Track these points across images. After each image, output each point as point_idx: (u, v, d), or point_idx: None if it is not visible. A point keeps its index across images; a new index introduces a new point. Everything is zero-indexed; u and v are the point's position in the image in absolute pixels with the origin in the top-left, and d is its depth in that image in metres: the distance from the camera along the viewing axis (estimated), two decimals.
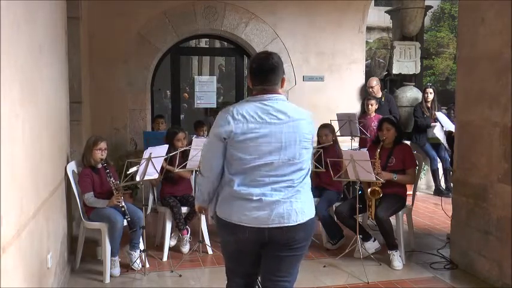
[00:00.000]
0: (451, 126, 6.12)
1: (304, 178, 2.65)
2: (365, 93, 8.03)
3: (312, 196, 2.71)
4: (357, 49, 8.09)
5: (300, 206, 2.58)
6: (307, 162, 2.66)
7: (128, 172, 4.24)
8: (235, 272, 2.80)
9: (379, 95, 7.75)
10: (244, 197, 2.54)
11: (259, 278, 2.84)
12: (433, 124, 7.31)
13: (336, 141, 5.43)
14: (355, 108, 7.87)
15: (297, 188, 2.60)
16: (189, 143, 4.95)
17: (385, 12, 11.37)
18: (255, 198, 2.53)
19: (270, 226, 2.54)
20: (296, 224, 2.57)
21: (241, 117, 2.53)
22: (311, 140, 2.68)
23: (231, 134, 2.53)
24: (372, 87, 7.72)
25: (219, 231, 2.76)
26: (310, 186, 2.72)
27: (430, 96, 7.54)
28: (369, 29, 12.51)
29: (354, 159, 4.38)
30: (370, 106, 7.20)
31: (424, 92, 7.72)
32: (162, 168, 4.64)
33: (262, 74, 2.62)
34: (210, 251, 4.90)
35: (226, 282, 2.87)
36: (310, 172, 2.72)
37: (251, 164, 2.54)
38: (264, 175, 2.54)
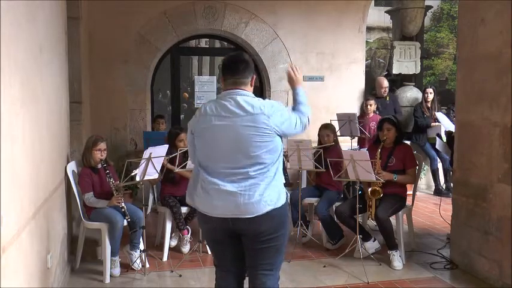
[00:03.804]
0: (451, 126, 6.12)
1: (265, 171, 2.67)
2: (369, 94, 8.02)
3: (279, 187, 2.73)
4: (357, 49, 8.09)
5: (258, 199, 2.63)
6: (268, 156, 2.66)
7: (131, 174, 4.25)
8: (220, 266, 2.92)
9: (385, 94, 7.74)
10: (207, 187, 2.69)
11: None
12: (433, 124, 7.32)
13: (337, 142, 5.43)
14: (355, 108, 7.87)
15: (255, 181, 2.64)
16: None
17: (385, 12, 11.37)
18: (215, 187, 2.66)
19: (229, 216, 2.67)
20: (254, 216, 2.63)
21: (203, 111, 2.76)
22: (272, 133, 2.67)
23: (194, 127, 2.78)
24: (385, 87, 7.67)
25: (198, 220, 2.97)
26: (279, 176, 2.74)
27: (430, 96, 7.54)
28: (369, 29, 12.52)
29: (354, 159, 4.38)
30: (369, 106, 7.20)
31: (424, 92, 7.73)
32: (163, 166, 4.64)
33: (233, 64, 2.77)
34: (210, 251, 4.89)
35: (215, 281, 2.96)
36: (277, 165, 2.73)
37: (209, 154, 2.71)
38: (222, 167, 2.67)
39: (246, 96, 2.72)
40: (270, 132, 2.66)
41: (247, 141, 2.63)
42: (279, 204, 2.69)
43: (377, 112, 7.29)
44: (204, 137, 2.73)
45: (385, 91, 7.69)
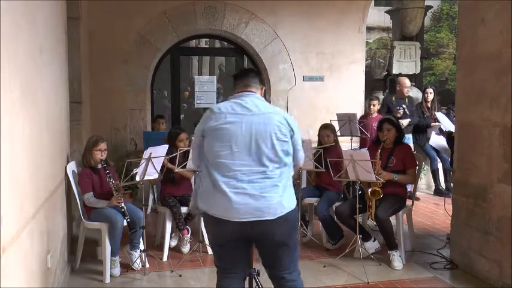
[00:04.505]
0: (451, 126, 6.12)
1: (282, 171, 2.70)
2: (369, 94, 7.96)
3: (292, 190, 2.78)
4: (357, 49, 8.09)
5: (279, 200, 2.65)
6: (285, 156, 2.72)
7: (131, 174, 4.25)
8: (224, 269, 2.86)
9: (407, 94, 7.53)
10: (223, 190, 2.62)
11: (255, 276, 2.89)
12: (433, 124, 7.31)
13: (337, 142, 5.43)
14: (355, 108, 7.86)
15: (273, 181, 2.66)
16: (190, 143, 4.95)
17: (385, 12, 11.39)
18: (233, 191, 2.61)
19: (251, 220, 2.61)
20: (275, 217, 2.64)
21: (217, 110, 2.76)
22: (288, 135, 2.74)
23: (207, 125, 2.75)
24: (408, 87, 7.49)
25: (205, 224, 2.89)
26: (292, 180, 2.79)
27: (430, 96, 7.53)
28: (369, 29, 12.51)
29: (354, 159, 4.38)
30: (372, 106, 7.19)
31: (424, 92, 7.71)
32: (163, 166, 4.64)
33: (244, 72, 2.96)
34: (210, 251, 4.89)
35: (216, 281, 2.91)
36: (290, 168, 2.77)
37: (224, 152, 2.65)
38: (238, 164, 2.64)
39: (258, 98, 2.82)
40: (285, 133, 2.73)
41: (265, 138, 2.67)
42: (293, 206, 2.75)
43: (406, 111, 7.11)
44: (218, 135, 2.69)
45: (408, 91, 7.50)
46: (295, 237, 2.84)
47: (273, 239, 2.71)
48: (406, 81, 7.56)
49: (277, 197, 2.65)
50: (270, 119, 2.71)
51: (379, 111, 7.22)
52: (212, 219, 2.71)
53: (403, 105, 7.18)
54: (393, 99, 7.37)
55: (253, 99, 2.78)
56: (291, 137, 2.76)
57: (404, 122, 7.04)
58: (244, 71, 2.99)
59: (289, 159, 2.76)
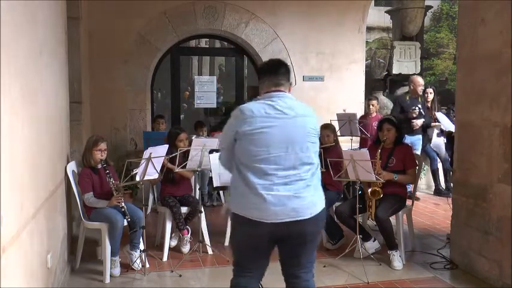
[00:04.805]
0: (451, 127, 6.12)
1: (313, 172, 2.74)
2: (369, 94, 7.94)
3: (322, 190, 2.82)
4: (357, 49, 8.09)
5: (311, 200, 2.69)
6: (315, 157, 2.77)
7: (131, 174, 4.25)
8: (244, 268, 2.86)
9: (421, 93, 7.39)
10: (258, 192, 2.63)
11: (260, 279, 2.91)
12: (433, 124, 7.31)
13: (337, 142, 5.43)
14: (355, 108, 7.86)
15: (306, 183, 2.69)
16: (190, 144, 4.94)
17: (385, 12, 11.39)
18: (269, 193, 2.62)
19: (286, 220, 2.64)
20: (310, 217, 2.68)
21: (249, 112, 2.67)
22: (317, 136, 2.82)
23: (240, 129, 2.67)
24: (422, 85, 7.34)
25: (234, 226, 2.85)
26: (320, 180, 2.82)
27: (430, 96, 7.53)
28: (369, 29, 12.51)
29: (354, 159, 4.38)
30: (371, 106, 7.19)
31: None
32: (163, 166, 4.64)
33: (274, 66, 2.83)
34: (210, 251, 4.90)
35: (232, 278, 2.90)
36: (319, 168, 2.81)
37: (260, 156, 2.64)
38: (274, 169, 2.64)
39: (290, 98, 2.78)
40: (316, 134, 2.78)
41: (300, 142, 2.68)
42: (323, 206, 2.80)
43: (421, 111, 7.01)
44: (253, 140, 2.65)
45: (422, 90, 7.35)
46: (319, 234, 2.90)
47: (304, 238, 2.75)
48: (420, 80, 7.44)
49: (310, 197, 2.69)
50: (304, 122, 2.72)
51: (392, 111, 7.15)
52: (246, 221, 2.69)
53: (418, 105, 7.08)
54: (407, 98, 7.26)
55: (286, 100, 2.74)
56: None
57: (419, 122, 6.98)
58: (275, 65, 2.84)
59: (318, 159, 2.80)
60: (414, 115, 6.96)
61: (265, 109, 2.68)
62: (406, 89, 8.95)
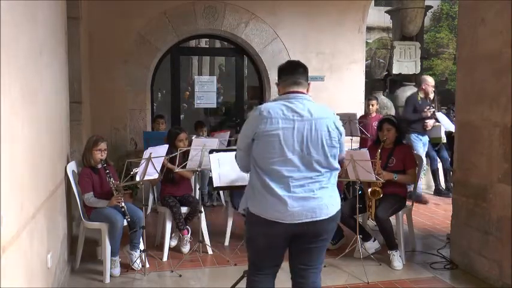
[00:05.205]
0: (451, 127, 6.12)
1: (329, 176, 2.76)
2: (369, 94, 7.92)
3: (337, 190, 2.85)
4: (357, 49, 8.10)
5: (327, 201, 2.72)
6: (333, 160, 2.77)
7: (131, 173, 4.25)
8: (259, 267, 2.89)
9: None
10: (276, 193, 2.65)
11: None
12: (435, 124, 7.31)
13: None
14: (355, 108, 7.86)
15: (322, 184, 2.72)
16: (190, 144, 4.95)
17: (385, 12, 11.39)
18: (286, 194, 2.65)
19: (304, 221, 2.67)
20: (327, 217, 2.72)
21: (267, 113, 2.68)
22: (337, 139, 2.81)
23: (258, 130, 2.69)
24: (433, 85, 7.26)
25: (250, 226, 2.86)
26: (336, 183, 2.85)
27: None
28: (369, 29, 12.52)
29: (354, 159, 4.38)
30: (371, 106, 7.19)
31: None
32: (163, 166, 4.64)
33: (293, 67, 2.86)
34: (210, 251, 4.90)
35: (248, 278, 2.94)
36: (338, 169, 2.83)
37: (275, 159, 2.66)
38: (290, 171, 2.66)
39: (309, 100, 2.77)
40: (335, 137, 2.78)
41: (316, 144, 2.69)
42: (339, 206, 2.84)
43: (434, 110, 6.95)
44: (270, 142, 2.66)
45: (433, 90, 7.27)
46: (332, 234, 2.92)
47: (321, 238, 2.79)
48: (431, 80, 7.39)
49: (327, 198, 2.73)
50: (321, 124, 2.72)
51: (404, 111, 7.11)
52: (263, 221, 2.71)
53: (432, 105, 7.05)
54: (419, 98, 7.23)
55: (304, 101, 2.74)
56: (339, 140, 2.82)
57: (431, 123, 6.97)
58: (293, 66, 2.88)
59: (336, 163, 2.80)
60: (429, 114, 6.92)
61: (282, 110, 2.69)
62: (406, 89, 8.95)
